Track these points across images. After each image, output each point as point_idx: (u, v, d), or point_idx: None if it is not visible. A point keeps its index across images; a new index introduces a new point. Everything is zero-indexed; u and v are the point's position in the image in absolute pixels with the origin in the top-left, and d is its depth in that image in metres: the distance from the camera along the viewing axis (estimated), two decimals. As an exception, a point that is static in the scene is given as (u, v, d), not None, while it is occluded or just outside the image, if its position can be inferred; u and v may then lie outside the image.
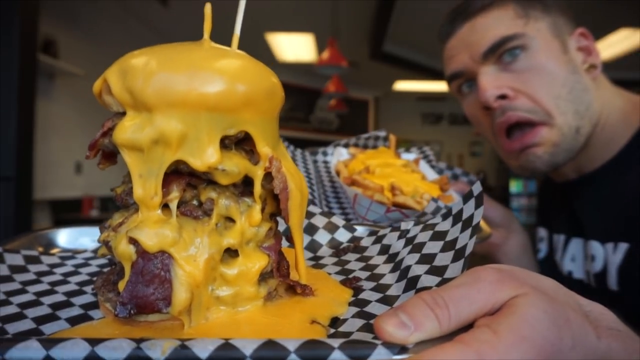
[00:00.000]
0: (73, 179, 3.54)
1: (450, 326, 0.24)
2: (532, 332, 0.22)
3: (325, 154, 0.85)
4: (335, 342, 0.22)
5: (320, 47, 4.57)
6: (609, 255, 0.67)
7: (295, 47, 4.96)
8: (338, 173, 0.71)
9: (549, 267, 0.84)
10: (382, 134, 0.87)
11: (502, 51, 0.71)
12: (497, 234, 0.82)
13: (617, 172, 0.71)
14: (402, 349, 0.22)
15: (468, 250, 0.31)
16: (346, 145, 0.84)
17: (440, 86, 6.54)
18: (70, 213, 3.46)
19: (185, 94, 0.26)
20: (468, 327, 0.24)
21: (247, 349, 0.21)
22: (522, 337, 0.22)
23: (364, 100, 7.17)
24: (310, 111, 6.59)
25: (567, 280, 0.77)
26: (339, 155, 0.79)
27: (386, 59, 5.06)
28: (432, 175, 0.76)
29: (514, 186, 7.26)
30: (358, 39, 4.74)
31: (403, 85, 6.83)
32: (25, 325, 0.29)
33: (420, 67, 5.35)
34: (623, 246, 0.66)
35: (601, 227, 0.70)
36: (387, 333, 0.23)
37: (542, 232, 0.89)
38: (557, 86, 0.69)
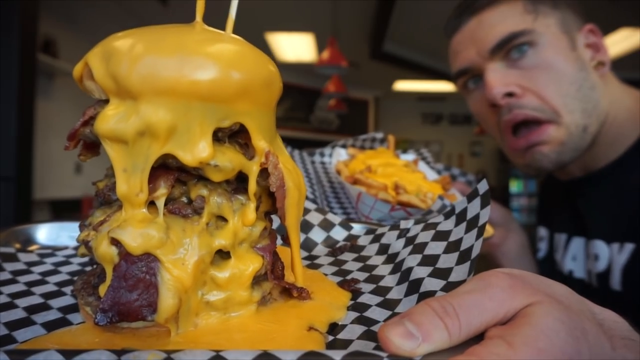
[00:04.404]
0: (73, 179, 3.53)
1: (461, 337, 0.22)
2: (549, 344, 0.21)
3: (322, 154, 0.84)
4: (337, 355, 0.20)
5: (320, 47, 4.55)
6: (614, 255, 0.66)
7: (295, 47, 4.95)
8: (339, 173, 0.70)
9: (548, 266, 0.84)
10: (379, 135, 0.86)
11: (509, 47, 0.69)
12: (496, 234, 0.81)
13: (624, 171, 0.70)
14: None
15: (475, 253, 0.30)
16: (344, 146, 0.83)
17: (440, 86, 6.53)
18: (70, 213, 3.44)
19: (175, 81, 0.23)
20: (478, 337, 0.22)
21: None
22: (539, 350, 0.21)
23: (364, 100, 7.16)
24: (310, 111, 6.57)
25: (568, 280, 0.76)
26: (337, 156, 0.78)
27: (386, 59, 5.04)
28: (432, 175, 0.76)
29: (514, 186, 7.25)
30: (358, 39, 4.73)
31: (403, 85, 6.82)
32: None
33: (420, 67, 5.33)
34: (629, 246, 0.65)
35: (607, 227, 0.69)
36: (393, 344, 0.21)
37: (543, 232, 0.89)
38: (565, 84, 0.68)
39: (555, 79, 0.68)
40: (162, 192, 0.26)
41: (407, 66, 5.35)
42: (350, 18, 4.16)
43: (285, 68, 5.82)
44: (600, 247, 0.69)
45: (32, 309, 0.30)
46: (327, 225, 0.45)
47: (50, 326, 0.28)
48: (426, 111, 8.05)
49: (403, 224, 0.40)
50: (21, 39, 2.23)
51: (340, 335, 0.27)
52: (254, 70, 0.26)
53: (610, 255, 0.67)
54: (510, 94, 0.69)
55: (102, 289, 0.25)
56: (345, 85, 4.36)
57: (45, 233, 0.44)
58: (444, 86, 6.47)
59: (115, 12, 3.88)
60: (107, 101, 0.25)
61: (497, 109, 0.72)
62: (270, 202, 0.30)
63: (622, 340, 0.24)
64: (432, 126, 8.12)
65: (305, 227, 0.44)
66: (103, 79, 0.24)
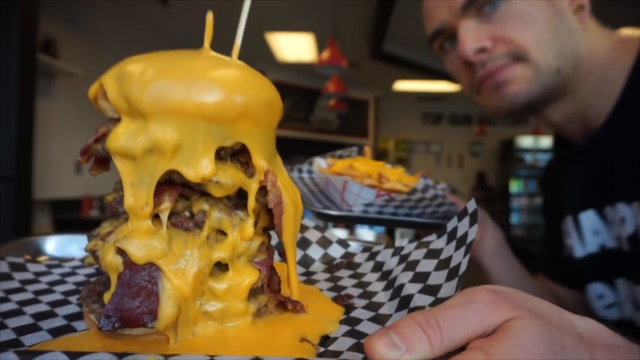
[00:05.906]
0: (73, 179, 3.54)
1: (442, 348, 0.23)
2: (527, 356, 0.22)
3: (300, 170, 0.85)
4: None
5: (320, 47, 4.56)
6: (637, 214, 0.62)
7: (295, 47, 4.96)
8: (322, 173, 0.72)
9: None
10: (355, 148, 0.88)
11: (482, 2, 0.66)
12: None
13: (622, 123, 0.66)
14: None
15: (462, 269, 0.31)
16: (322, 158, 0.85)
17: (440, 86, 6.54)
18: (70, 213, 3.46)
19: (182, 103, 0.25)
20: (460, 349, 0.24)
21: None
22: None
23: (364, 100, 7.16)
24: (310, 111, 6.58)
25: (600, 255, 0.70)
26: (317, 164, 0.80)
27: (386, 59, 5.05)
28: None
29: (514, 186, 7.26)
30: (358, 39, 4.74)
31: (403, 85, 6.82)
32: (6, 335, 0.28)
33: (420, 67, 5.34)
34: None
35: (621, 187, 0.65)
36: (377, 354, 0.22)
37: (569, 224, 0.83)
38: (538, 30, 0.66)
39: (529, 26, 0.65)
40: (166, 205, 0.27)
41: (407, 66, 5.35)
42: (350, 18, 4.17)
43: (285, 68, 5.84)
44: (623, 209, 0.65)
45: (39, 316, 0.31)
46: (325, 243, 0.46)
47: (55, 332, 0.29)
48: (426, 111, 8.06)
49: (398, 243, 0.41)
50: (21, 39, 2.23)
51: (331, 347, 0.28)
52: (256, 93, 0.28)
53: (634, 215, 0.63)
54: (482, 50, 0.67)
55: (107, 296, 0.27)
56: (345, 85, 4.37)
57: (54, 244, 0.46)
58: (444, 86, 6.47)
59: (115, 12, 3.89)
60: (118, 120, 0.27)
61: (472, 67, 0.69)
62: (269, 219, 0.32)
63: (605, 347, 0.25)
64: (432, 126, 8.13)
65: (304, 244, 0.46)
66: (116, 100, 0.26)
